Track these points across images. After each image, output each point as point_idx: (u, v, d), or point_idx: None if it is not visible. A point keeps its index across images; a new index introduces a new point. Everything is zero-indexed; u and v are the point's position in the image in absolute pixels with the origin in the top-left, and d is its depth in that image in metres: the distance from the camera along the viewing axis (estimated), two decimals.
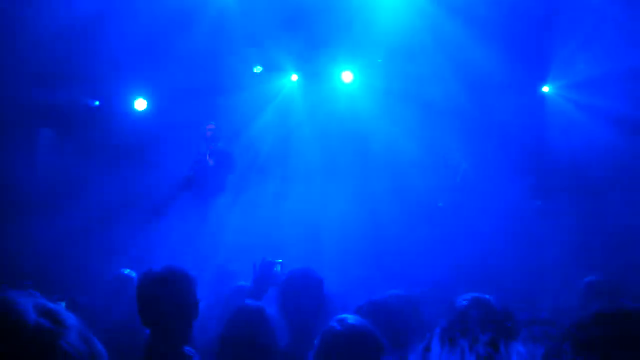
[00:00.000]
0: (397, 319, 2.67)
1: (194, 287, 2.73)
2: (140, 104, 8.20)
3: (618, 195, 6.81)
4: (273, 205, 7.65)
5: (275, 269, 3.78)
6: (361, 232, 7.11)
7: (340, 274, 5.40)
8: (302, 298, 3.18)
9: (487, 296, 2.65)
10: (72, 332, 0.95)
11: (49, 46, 6.70)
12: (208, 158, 7.31)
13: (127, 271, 4.74)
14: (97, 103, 8.19)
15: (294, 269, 3.42)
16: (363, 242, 7.03)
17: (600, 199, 6.95)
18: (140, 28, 6.74)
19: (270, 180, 7.95)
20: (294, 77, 8.58)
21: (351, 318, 2.33)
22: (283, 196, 7.74)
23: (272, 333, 3.01)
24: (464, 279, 5.45)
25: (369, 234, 7.14)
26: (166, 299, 2.62)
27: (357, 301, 4.35)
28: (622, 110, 7.32)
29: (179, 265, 2.77)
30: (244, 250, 6.36)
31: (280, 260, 3.82)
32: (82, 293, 4.47)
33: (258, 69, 8.02)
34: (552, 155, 7.76)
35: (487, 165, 7.38)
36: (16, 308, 0.92)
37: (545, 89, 8.42)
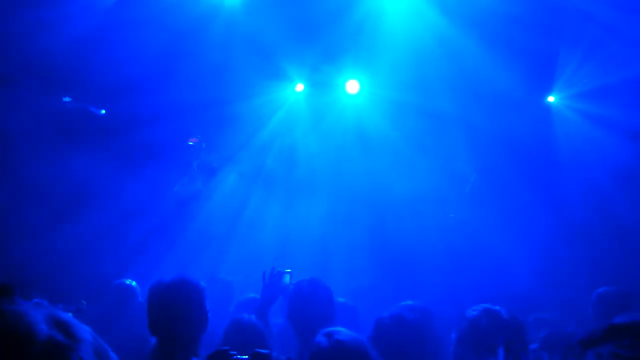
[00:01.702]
0: (416, 331, 2.65)
1: (204, 298, 2.72)
2: None
3: (629, 205, 6.77)
4: (279, 216, 7.62)
5: (284, 279, 3.76)
6: (369, 242, 7.08)
7: (348, 284, 5.37)
8: (311, 308, 3.16)
9: (497, 307, 2.65)
10: (86, 346, 0.91)
11: (64, 56, 6.74)
12: (195, 170, 7.37)
13: (127, 281, 4.72)
14: (103, 112, 8.21)
15: (302, 279, 3.39)
16: (371, 253, 7.00)
17: (610, 210, 6.91)
18: (150, 38, 6.78)
19: (276, 190, 7.93)
20: (300, 87, 8.55)
21: (342, 332, 2.25)
22: (290, 206, 7.71)
23: (266, 346, 2.97)
24: (474, 288, 5.40)
25: (377, 244, 7.11)
26: (177, 309, 2.61)
27: (366, 311, 4.33)
28: (629, 120, 7.30)
29: (189, 276, 2.77)
30: (250, 262, 6.35)
31: (289, 270, 3.80)
32: (84, 302, 4.43)
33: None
34: (561, 165, 7.73)
35: (496, 175, 7.35)
36: (27, 320, 0.89)
37: (551, 98, 8.41)
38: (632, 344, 1.35)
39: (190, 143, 7.36)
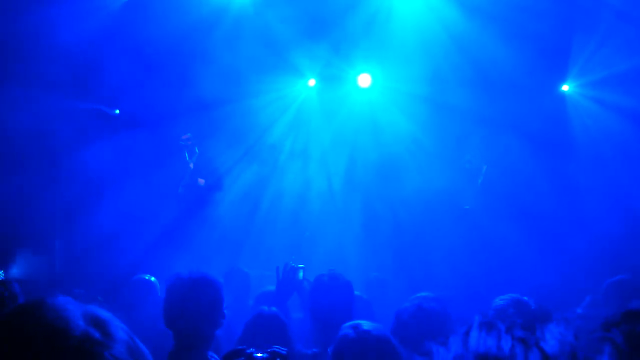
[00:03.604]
0: (436, 322, 2.67)
1: (221, 295, 2.73)
2: None
3: None
4: (294, 211, 7.67)
5: (298, 274, 3.78)
6: (383, 236, 7.09)
7: (363, 278, 5.39)
8: (332, 302, 3.16)
9: (525, 297, 2.67)
10: (120, 345, 0.92)
11: (77, 54, 6.81)
12: (191, 165, 7.43)
13: (146, 276, 4.75)
14: (117, 111, 8.29)
15: (322, 273, 3.39)
16: (385, 246, 7.01)
17: (624, 197, 6.85)
18: (161, 36, 6.81)
19: (291, 184, 7.96)
20: (312, 82, 8.53)
21: (366, 324, 2.30)
22: (304, 201, 7.75)
23: (288, 338, 3.01)
24: (489, 280, 5.40)
25: (391, 238, 7.11)
26: (194, 306, 2.61)
27: (382, 305, 4.36)
28: None
29: (208, 272, 2.78)
30: (265, 257, 6.40)
31: (303, 265, 3.82)
32: (104, 296, 4.50)
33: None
34: (576, 154, 7.66)
35: (511, 166, 7.31)
36: (64, 315, 0.91)
37: (565, 87, 8.31)
38: None
39: (184, 139, 7.43)
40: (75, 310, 0.93)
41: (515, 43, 7.19)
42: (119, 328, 0.95)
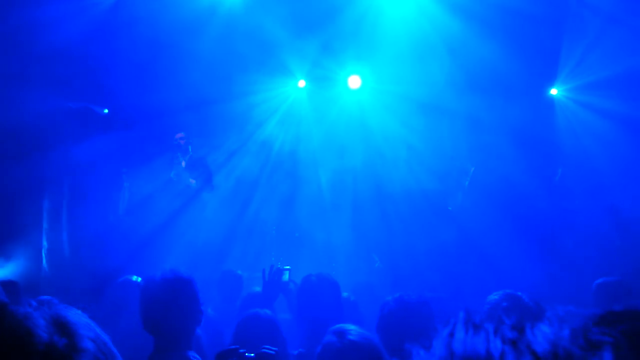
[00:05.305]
0: (417, 313, 2.68)
1: (196, 292, 2.72)
2: None
3: (629, 196, 6.76)
4: (281, 210, 7.66)
5: (284, 276, 3.78)
6: (371, 238, 7.09)
7: (351, 280, 5.40)
8: (320, 302, 3.16)
9: (519, 292, 2.70)
10: (86, 356, 0.88)
11: (67, 54, 6.75)
12: (183, 164, 7.38)
13: (133, 277, 4.71)
14: (106, 110, 8.23)
15: (309, 274, 3.39)
16: (373, 249, 7.01)
17: (611, 200, 6.90)
18: (151, 35, 6.78)
19: (279, 184, 7.95)
20: (302, 83, 8.54)
21: (353, 331, 2.24)
22: (292, 202, 7.74)
23: (281, 339, 2.99)
24: (477, 281, 5.42)
25: (379, 240, 7.12)
26: (168, 303, 2.61)
27: (371, 308, 4.36)
28: (631, 112, 7.27)
29: (181, 270, 2.76)
30: (254, 256, 6.38)
31: (288, 267, 3.81)
32: (89, 299, 4.44)
33: None
34: (563, 157, 7.72)
35: (498, 167, 7.34)
36: (27, 325, 0.86)
37: (554, 91, 8.36)
38: (626, 330, 1.38)
39: (177, 138, 7.40)
40: (39, 317, 0.88)
41: (505, 46, 7.23)
42: (85, 335, 0.91)
